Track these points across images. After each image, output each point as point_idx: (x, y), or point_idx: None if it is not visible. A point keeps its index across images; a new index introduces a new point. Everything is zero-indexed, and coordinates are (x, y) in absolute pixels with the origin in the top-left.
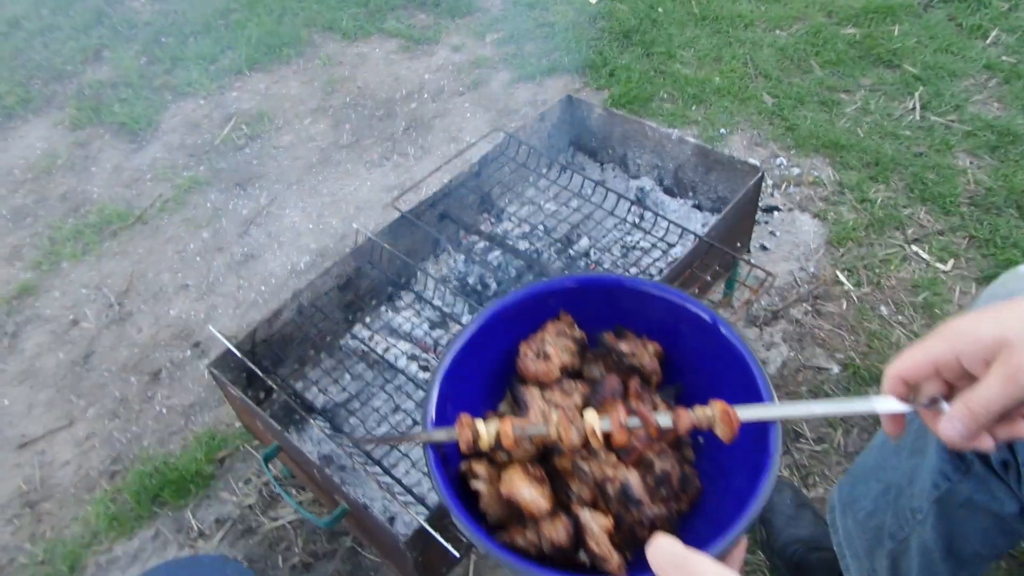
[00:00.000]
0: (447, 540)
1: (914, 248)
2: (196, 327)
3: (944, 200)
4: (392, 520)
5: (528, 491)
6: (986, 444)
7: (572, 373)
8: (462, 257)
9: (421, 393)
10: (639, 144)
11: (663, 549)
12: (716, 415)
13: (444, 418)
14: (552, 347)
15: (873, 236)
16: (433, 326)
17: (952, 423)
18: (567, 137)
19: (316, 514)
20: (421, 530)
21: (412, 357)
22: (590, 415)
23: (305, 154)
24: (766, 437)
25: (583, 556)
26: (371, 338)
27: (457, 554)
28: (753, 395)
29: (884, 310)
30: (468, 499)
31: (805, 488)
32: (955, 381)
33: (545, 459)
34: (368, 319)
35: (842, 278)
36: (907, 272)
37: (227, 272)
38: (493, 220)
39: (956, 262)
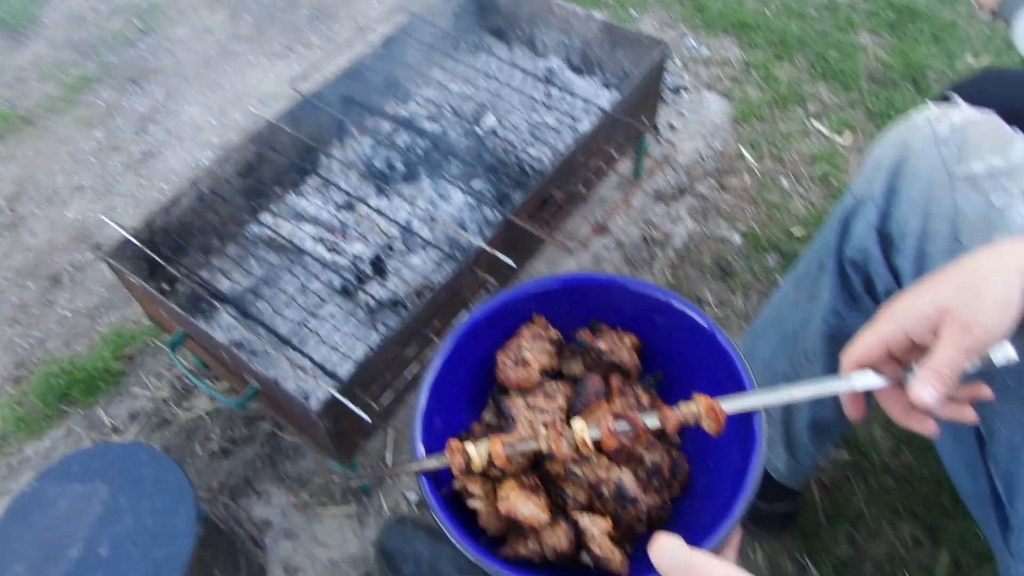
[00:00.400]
0: (358, 407)
1: (815, 123)
2: (95, 228)
3: (845, 76)
4: (307, 398)
5: (526, 507)
6: (930, 428)
7: (552, 373)
8: (368, 140)
9: (329, 274)
10: (546, 22)
11: (666, 551)
12: (702, 411)
13: (432, 432)
14: (529, 352)
15: (777, 113)
16: (339, 208)
17: (923, 386)
18: (474, 17)
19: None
20: (332, 400)
21: (319, 239)
22: (579, 425)
23: (203, 48)
24: (751, 419)
25: (585, 558)
26: (276, 223)
27: (369, 420)
28: (731, 377)
29: (784, 182)
30: (465, 515)
31: None
32: (904, 356)
33: (537, 465)
34: (273, 206)
35: (745, 153)
36: (807, 146)
37: (125, 171)
38: (399, 102)
39: (853, 135)
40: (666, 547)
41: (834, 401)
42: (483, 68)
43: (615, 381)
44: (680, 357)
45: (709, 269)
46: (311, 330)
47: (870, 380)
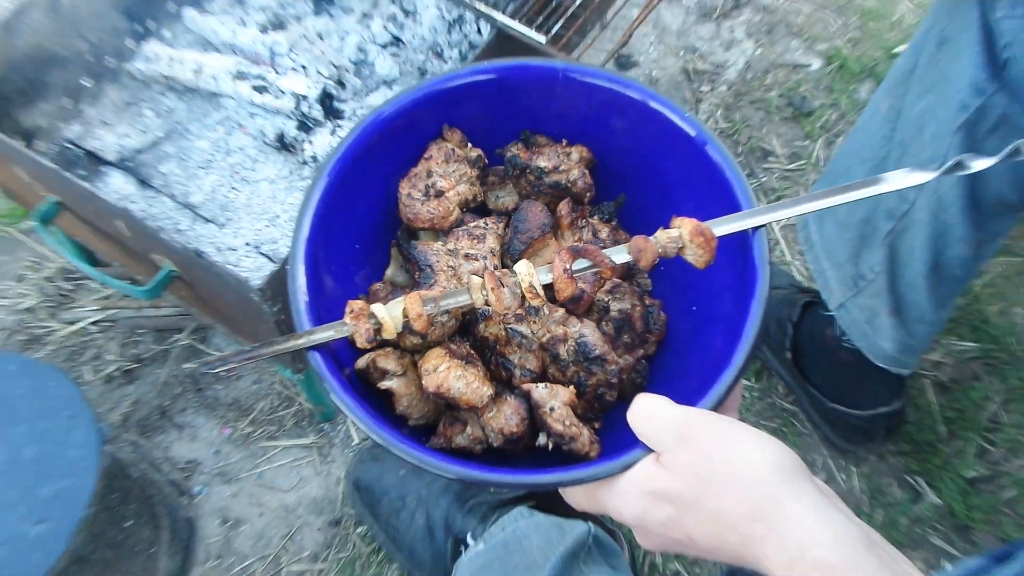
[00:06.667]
0: None
1: None
2: None
3: None
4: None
5: (461, 381)
6: None
7: (475, 207)
8: None
9: (259, 119)
10: None
11: (652, 413)
12: (686, 237)
13: (321, 294)
14: (443, 179)
15: None
16: (265, 29)
17: None
18: None
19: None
20: (276, 272)
21: (240, 76)
22: (523, 268)
23: None
24: (747, 247)
25: (542, 440)
26: (174, 55)
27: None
28: (723, 198)
29: None
30: (378, 402)
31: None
32: None
33: (467, 329)
34: (166, 29)
35: None
36: None
37: None
38: None
39: None
40: (651, 408)
41: (967, 228)
42: None
43: (563, 210)
44: (650, 175)
45: (777, 108)
46: (239, 200)
47: (911, 178)
